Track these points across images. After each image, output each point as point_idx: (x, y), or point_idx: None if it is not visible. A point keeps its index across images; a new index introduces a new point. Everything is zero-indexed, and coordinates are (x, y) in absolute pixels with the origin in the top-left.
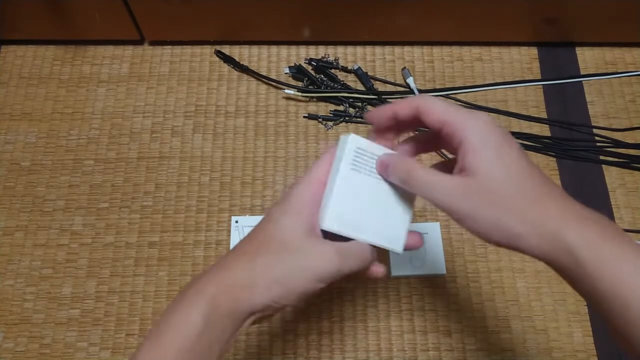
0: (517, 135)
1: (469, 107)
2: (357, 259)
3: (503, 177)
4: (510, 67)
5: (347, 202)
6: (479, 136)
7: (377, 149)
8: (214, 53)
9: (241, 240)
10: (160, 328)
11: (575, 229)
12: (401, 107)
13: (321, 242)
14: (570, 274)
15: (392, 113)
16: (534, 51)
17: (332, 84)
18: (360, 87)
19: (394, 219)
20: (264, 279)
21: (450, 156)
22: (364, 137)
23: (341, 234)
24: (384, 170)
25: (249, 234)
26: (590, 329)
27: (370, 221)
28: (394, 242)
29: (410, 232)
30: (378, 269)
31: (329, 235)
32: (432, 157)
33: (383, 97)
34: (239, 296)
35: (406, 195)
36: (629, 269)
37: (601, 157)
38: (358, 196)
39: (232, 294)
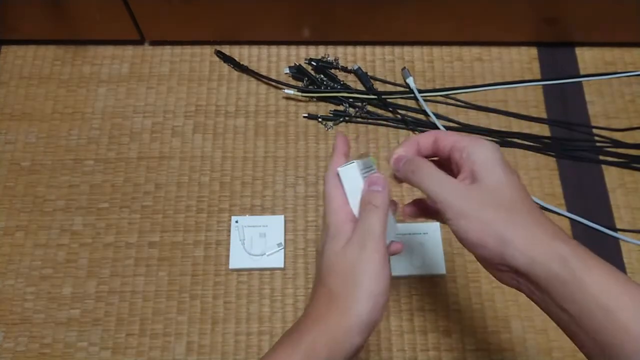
0: (517, 135)
1: (468, 108)
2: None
3: (508, 189)
4: (510, 67)
5: None
6: (489, 154)
7: (357, 165)
8: (214, 53)
9: (317, 284)
10: None
11: (566, 242)
12: (422, 139)
13: (373, 250)
14: (556, 282)
15: (416, 142)
16: (533, 51)
17: (332, 84)
18: (360, 87)
19: None
20: (359, 319)
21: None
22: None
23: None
24: (397, 163)
25: (321, 275)
26: None
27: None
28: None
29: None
30: (397, 247)
31: None
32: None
33: (383, 97)
34: (338, 342)
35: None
36: (613, 280)
37: (601, 157)
38: None
39: (331, 340)
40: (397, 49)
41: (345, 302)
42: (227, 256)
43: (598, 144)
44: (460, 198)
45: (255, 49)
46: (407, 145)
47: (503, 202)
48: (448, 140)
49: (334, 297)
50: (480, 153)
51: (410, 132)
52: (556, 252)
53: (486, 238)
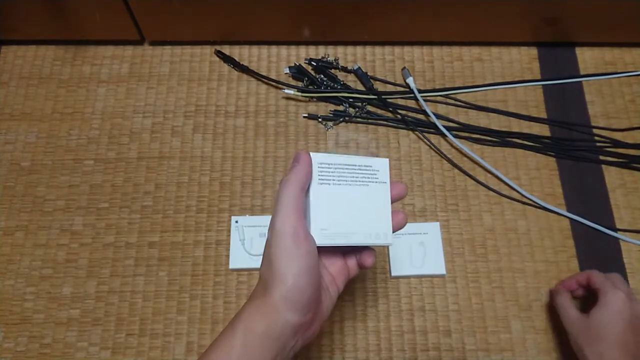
0: (517, 135)
1: (468, 108)
2: None
3: (604, 327)
4: (510, 67)
5: (327, 215)
6: (610, 303)
7: (337, 158)
8: (214, 53)
9: (261, 264)
10: (205, 357)
11: None
12: (581, 278)
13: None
14: None
15: (575, 280)
16: (533, 51)
17: (332, 84)
18: (360, 87)
19: (376, 216)
20: (280, 297)
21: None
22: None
23: (334, 245)
24: (555, 292)
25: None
26: None
27: (354, 224)
28: (382, 236)
29: (394, 213)
30: (367, 260)
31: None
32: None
33: (383, 97)
34: (271, 316)
35: (381, 193)
36: None
37: (601, 157)
38: (335, 206)
39: (264, 315)
40: (397, 49)
41: (269, 284)
42: (227, 256)
43: (598, 144)
44: (576, 334)
45: (255, 49)
46: (569, 281)
47: (601, 340)
48: (595, 282)
49: (263, 283)
50: (604, 300)
51: (410, 132)
52: None
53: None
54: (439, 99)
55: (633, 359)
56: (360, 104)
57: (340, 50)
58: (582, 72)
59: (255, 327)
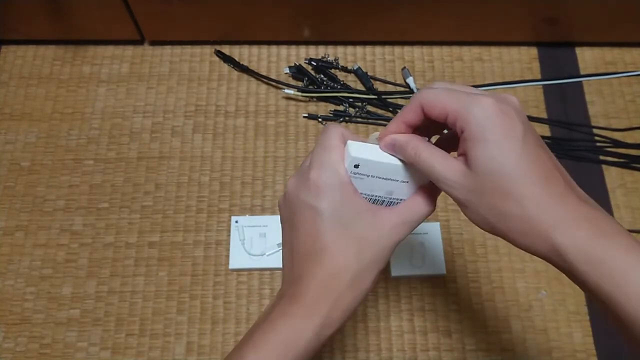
0: None
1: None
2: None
3: (498, 171)
4: (510, 67)
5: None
6: (480, 125)
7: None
8: (214, 53)
9: (299, 251)
10: (268, 336)
11: (565, 230)
12: (407, 115)
13: (375, 215)
14: (563, 271)
15: (404, 126)
16: (534, 51)
17: (332, 84)
18: (360, 87)
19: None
20: (362, 284)
21: None
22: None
23: (370, 160)
24: (392, 149)
25: (302, 240)
26: (590, 329)
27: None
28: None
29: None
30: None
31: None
32: None
33: (383, 97)
34: (349, 310)
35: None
36: (619, 267)
37: (601, 157)
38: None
39: (343, 310)
40: (397, 49)
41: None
42: (227, 256)
43: (598, 144)
44: (456, 188)
45: (255, 49)
46: (396, 124)
47: (495, 188)
48: (438, 109)
49: (331, 260)
50: (470, 126)
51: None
52: (552, 244)
53: (486, 227)
54: None
55: (567, 185)
56: (360, 104)
57: (340, 50)
58: (582, 72)
59: (334, 323)
